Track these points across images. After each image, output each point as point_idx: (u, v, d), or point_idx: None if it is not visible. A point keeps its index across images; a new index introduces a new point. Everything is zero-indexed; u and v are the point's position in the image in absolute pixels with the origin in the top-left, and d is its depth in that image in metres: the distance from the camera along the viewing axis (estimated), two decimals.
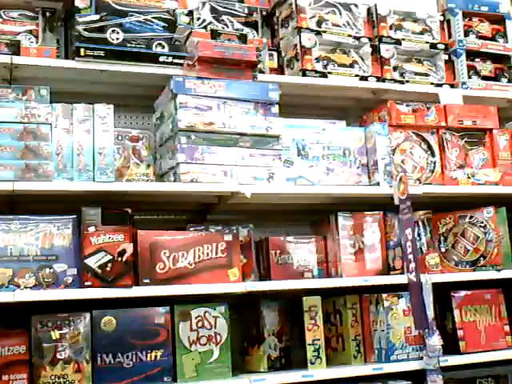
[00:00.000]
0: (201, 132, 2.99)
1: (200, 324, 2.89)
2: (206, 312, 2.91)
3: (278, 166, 3.10)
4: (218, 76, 3.09)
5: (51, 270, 2.67)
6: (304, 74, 3.38)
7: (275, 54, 3.54)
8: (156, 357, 2.78)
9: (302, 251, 3.20)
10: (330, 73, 3.44)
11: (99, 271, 2.72)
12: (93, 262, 2.72)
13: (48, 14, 3.01)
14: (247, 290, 2.90)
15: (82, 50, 2.92)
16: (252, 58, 3.15)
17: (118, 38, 2.98)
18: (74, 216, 2.76)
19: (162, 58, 3.06)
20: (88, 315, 2.73)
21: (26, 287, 2.62)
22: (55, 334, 2.66)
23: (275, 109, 3.15)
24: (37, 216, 2.71)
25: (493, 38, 3.91)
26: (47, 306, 2.68)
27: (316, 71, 3.41)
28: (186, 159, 2.93)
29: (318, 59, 3.45)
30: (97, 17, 2.95)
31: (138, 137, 3.07)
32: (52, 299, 2.63)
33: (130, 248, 2.77)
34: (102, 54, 2.95)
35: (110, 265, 2.73)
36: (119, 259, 2.75)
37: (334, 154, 3.29)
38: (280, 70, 3.52)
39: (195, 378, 2.82)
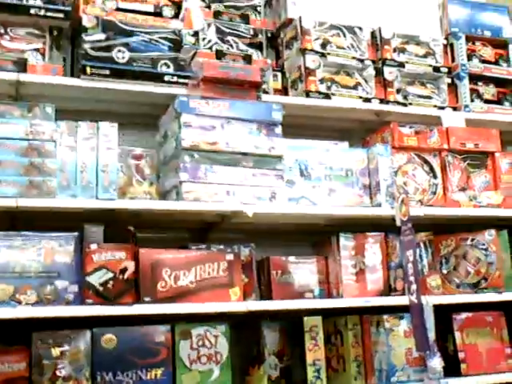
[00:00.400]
0: (204, 151, 3.00)
1: (200, 343, 2.89)
2: (206, 331, 2.91)
3: (281, 185, 3.10)
4: (222, 96, 3.11)
5: (53, 287, 2.67)
6: (308, 95, 3.40)
7: (279, 75, 3.56)
8: (156, 375, 2.77)
9: (304, 271, 3.20)
10: (333, 94, 3.46)
11: (100, 289, 2.72)
12: (94, 279, 2.73)
13: (55, 32, 3.03)
14: (248, 310, 2.90)
15: (88, 69, 2.94)
16: (256, 79, 3.18)
17: (123, 57, 3.01)
18: (76, 233, 2.77)
19: (167, 78, 3.08)
20: (88, 333, 2.73)
21: (27, 304, 2.61)
22: (55, 351, 2.66)
23: (278, 129, 3.16)
24: (39, 232, 2.72)
25: (496, 63, 3.93)
26: (48, 323, 2.68)
27: (320, 92, 3.43)
28: (189, 178, 2.94)
29: (321, 81, 3.47)
30: (103, 36, 2.98)
31: (142, 155, 3.09)
32: (53, 316, 2.62)
33: (131, 266, 2.78)
34: (107, 72, 2.97)
35: (111, 282, 2.74)
36: (121, 277, 2.76)
37: (337, 174, 3.30)
38: (284, 91, 3.54)
39: None
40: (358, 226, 3.33)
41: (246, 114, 3.12)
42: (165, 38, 3.12)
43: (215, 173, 2.99)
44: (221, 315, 2.95)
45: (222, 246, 3.07)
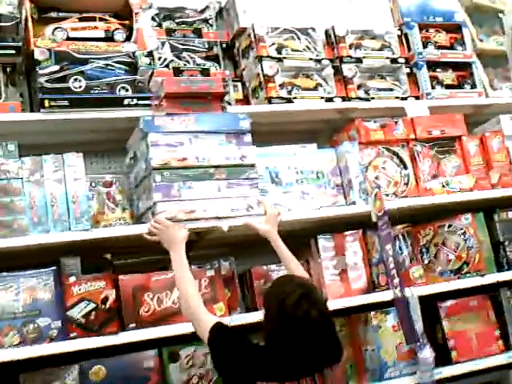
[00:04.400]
0: (175, 168, 2.95)
1: (190, 363, 2.88)
2: (195, 350, 2.90)
3: (256, 194, 3.06)
4: (186, 111, 3.07)
5: (35, 326, 2.65)
6: (270, 102, 3.39)
7: (239, 85, 3.57)
8: None
9: None
10: (295, 98, 3.46)
11: (83, 321, 2.71)
12: (76, 312, 2.71)
13: (8, 69, 2.99)
14: (234, 324, 2.88)
15: (46, 102, 2.91)
16: (219, 90, 3.14)
17: (80, 86, 2.98)
18: (53, 268, 2.75)
19: (126, 101, 3.06)
20: (76, 367, 2.72)
21: (10, 346, 2.59)
22: None
23: (248, 137, 3.12)
24: (16, 272, 2.69)
25: (451, 47, 3.96)
26: (35, 362, 2.65)
27: (281, 98, 3.43)
28: (163, 198, 2.88)
29: (282, 86, 3.47)
30: (57, 67, 2.95)
31: (112, 182, 3.07)
32: (38, 355, 2.60)
33: (112, 294, 2.77)
34: (66, 103, 2.95)
35: (93, 313, 2.73)
36: (103, 307, 2.75)
37: (308, 177, 3.30)
38: (246, 101, 3.54)
39: None
40: (336, 226, 3.33)
41: (212, 126, 3.07)
42: (120, 62, 3.10)
43: (189, 189, 2.94)
44: None
45: (201, 263, 3.05)
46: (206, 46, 3.48)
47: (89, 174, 2.97)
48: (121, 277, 2.82)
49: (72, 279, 2.74)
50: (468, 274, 3.39)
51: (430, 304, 3.30)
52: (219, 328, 2.44)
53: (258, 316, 2.95)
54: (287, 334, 2.30)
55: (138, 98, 3.09)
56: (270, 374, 2.30)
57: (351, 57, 3.64)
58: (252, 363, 2.34)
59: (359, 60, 3.66)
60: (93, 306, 2.73)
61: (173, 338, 2.85)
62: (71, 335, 2.67)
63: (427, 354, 3.05)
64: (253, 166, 3.11)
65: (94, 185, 3.02)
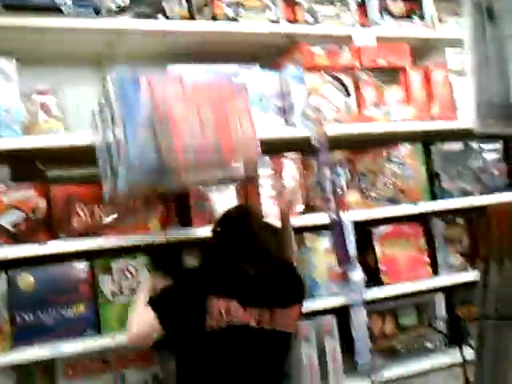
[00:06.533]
0: None
1: (122, 276, 2.86)
2: (127, 264, 2.87)
3: None
4: None
5: None
6: (215, 20, 3.30)
7: (184, 2, 3.46)
8: (79, 311, 2.75)
9: (223, 197, 3.18)
10: (241, 17, 3.38)
11: (12, 230, 2.66)
12: (5, 220, 2.65)
13: None
14: (167, 239, 2.87)
15: None
16: None
17: None
18: None
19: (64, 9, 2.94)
20: (3, 275, 2.67)
21: None
22: None
23: None
24: None
25: None
26: None
27: (227, 16, 3.34)
28: None
29: (228, 5, 3.39)
30: None
31: (47, 91, 2.97)
32: None
33: (43, 204, 2.71)
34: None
35: (23, 223, 2.67)
36: (33, 216, 2.69)
37: (250, 99, 3.24)
38: (191, 18, 3.44)
39: (119, 329, 2.78)
40: (276, 150, 3.31)
41: None
42: None
43: None
44: (142, 248, 2.91)
45: None
46: None
47: (23, 82, 2.85)
48: (52, 186, 2.76)
49: (1, 187, 2.67)
50: (403, 202, 3.43)
51: (363, 230, 3.35)
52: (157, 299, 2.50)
53: (191, 232, 2.97)
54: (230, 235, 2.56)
55: (79, 6, 2.96)
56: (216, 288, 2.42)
57: None
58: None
59: None
60: (22, 215, 2.67)
61: (105, 251, 2.82)
62: None
63: (358, 276, 3.10)
64: None
65: (27, 94, 2.91)
